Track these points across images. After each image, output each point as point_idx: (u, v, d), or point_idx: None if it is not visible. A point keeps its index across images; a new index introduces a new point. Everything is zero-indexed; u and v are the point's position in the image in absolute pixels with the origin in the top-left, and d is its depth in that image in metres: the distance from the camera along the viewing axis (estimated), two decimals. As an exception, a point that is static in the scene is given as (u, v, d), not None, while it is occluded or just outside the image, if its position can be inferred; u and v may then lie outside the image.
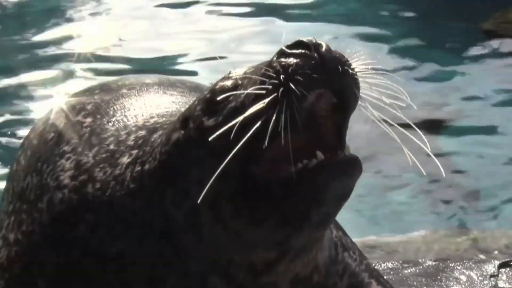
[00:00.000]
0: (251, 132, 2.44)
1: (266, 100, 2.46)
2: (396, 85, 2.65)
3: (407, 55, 9.18)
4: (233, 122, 2.48)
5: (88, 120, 3.10)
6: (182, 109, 3.05)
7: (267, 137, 2.42)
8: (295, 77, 2.47)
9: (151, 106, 3.13)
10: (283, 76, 2.48)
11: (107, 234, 2.79)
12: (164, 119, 2.99)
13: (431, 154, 2.66)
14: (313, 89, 2.49)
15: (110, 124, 3.05)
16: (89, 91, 3.35)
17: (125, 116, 3.08)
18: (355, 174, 2.54)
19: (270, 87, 2.49)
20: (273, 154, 2.48)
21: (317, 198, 2.52)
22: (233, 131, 2.47)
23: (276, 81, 2.48)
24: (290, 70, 2.48)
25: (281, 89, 2.47)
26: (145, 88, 3.29)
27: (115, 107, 3.14)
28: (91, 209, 2.83)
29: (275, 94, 2.46)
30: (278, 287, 2.76)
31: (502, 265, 4.55)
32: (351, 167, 2.54)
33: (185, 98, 3.26)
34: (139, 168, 2.79)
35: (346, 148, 2.56)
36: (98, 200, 2.83)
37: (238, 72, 2.70)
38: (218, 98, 2.62)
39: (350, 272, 3.22)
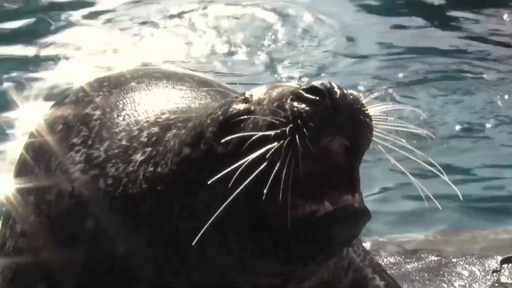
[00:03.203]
0: (255, 173, 2.39)
1: (270, 147, 2.41)
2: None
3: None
4: (237, 164, 2.43)
5: (98, 113, 3.08)
6: (192, 105, 3.05)
7: (268, 184, 2.38)
8: (303, 129, 2.41)
9: (161, 102, 3.10)
10: (291, 126, 2.43)
11: (117, 231, 2.78)
12: (175, 115, 2.95)
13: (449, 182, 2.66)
14: (322, 140, 2.43)
15: (120, 118, 3.02)
16: (97, 83, 3.33)
17: (136, 110, 3.05)
18: (362, 224, 2.51)
19: (278, 131, 2.44)
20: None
21: (322, 244, 2.50)
22: (239, 171, 2.42)
23: (284, 128, 2.43)
24: (299, 121, 2.43)
25: (288, 138, 2.41)
26: (154, 82, 3.26)
27: (124, 100, 3.12)
28: (101, 204, 2.81)
29: (282, 142, 2.42)
30: None
31: (505, 261, 4.56)
32: (359, 221, 2.50)
33: (194, 93, 3.24)
34: (152, 168, 2.76)
35: (355, 198, 2.50)
36: (109, 196, 2.81)
37: (253, 95, 2.66)
38: (223, 140, 2.56)
39: (354, 267, 3.25)
